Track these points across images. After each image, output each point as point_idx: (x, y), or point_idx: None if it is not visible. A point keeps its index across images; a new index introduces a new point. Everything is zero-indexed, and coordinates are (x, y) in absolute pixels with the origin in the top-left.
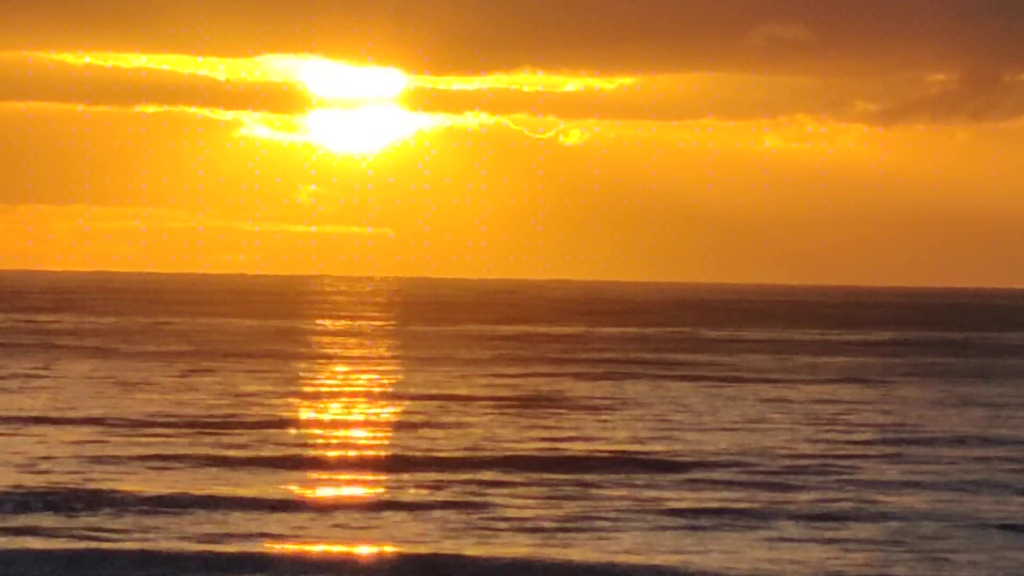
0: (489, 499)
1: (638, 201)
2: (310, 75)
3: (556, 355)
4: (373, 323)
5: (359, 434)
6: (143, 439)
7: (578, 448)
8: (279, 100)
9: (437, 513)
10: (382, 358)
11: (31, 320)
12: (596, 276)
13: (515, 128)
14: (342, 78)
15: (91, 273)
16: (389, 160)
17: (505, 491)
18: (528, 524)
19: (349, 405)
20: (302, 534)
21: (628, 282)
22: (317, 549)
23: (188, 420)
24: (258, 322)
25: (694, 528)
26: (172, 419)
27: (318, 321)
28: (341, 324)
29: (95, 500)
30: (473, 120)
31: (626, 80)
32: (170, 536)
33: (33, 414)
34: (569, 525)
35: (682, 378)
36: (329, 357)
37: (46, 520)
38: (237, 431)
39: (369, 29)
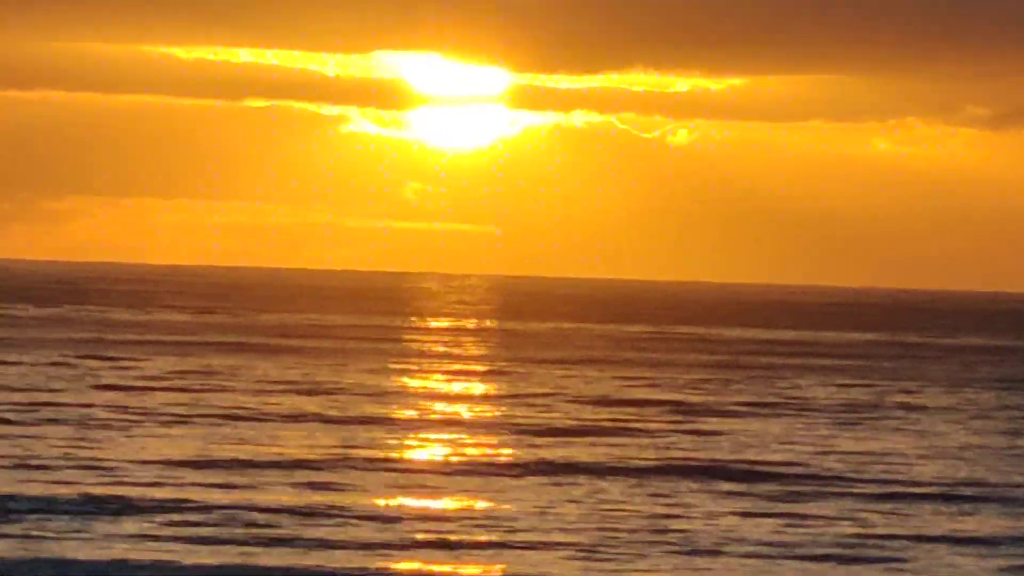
0: None
1: (744, 203)
2: (418, 72)
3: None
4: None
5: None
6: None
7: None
8: (386, 96)
9: None
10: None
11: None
12: (698, 277)
13: (622, 127)
14: (450, 75)
15: (194, 267)
16: (495, 157)
17: None
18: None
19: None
20: None
21: (731, 284)
22: None
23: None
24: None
25: None
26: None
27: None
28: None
29: None
30: (581, 119)
31: (735, 81)
32: None
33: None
34: None
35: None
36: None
37: None
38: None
39: (479, 27)
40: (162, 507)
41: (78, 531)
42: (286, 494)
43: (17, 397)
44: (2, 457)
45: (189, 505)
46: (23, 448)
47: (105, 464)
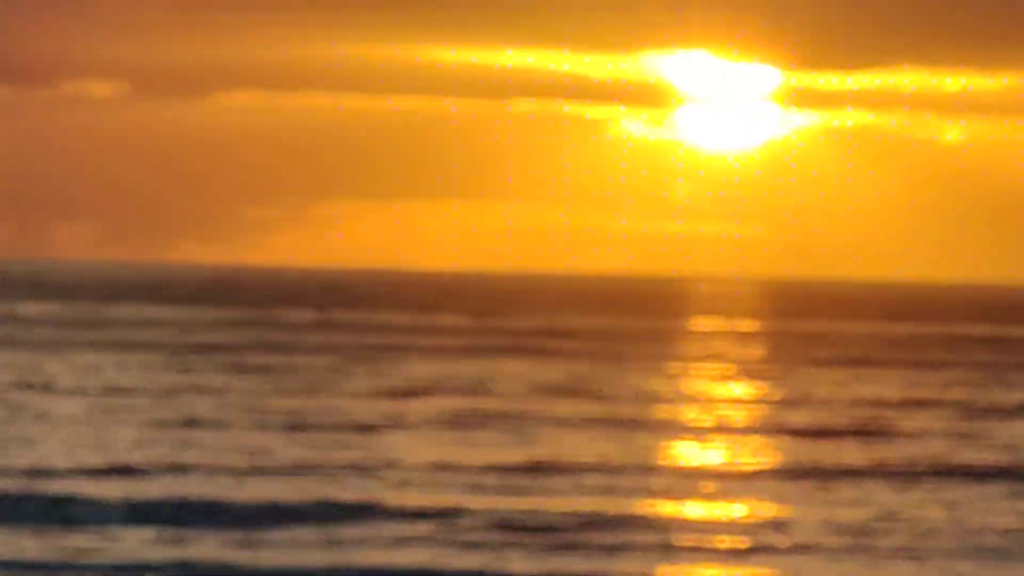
0: None
1: (1019, 202)
2: (683, 71)
3: None
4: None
5: None
6: None
7: None
8: (652, 96)
9: None
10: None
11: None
12: (969, 277)
13: (892, 126)
14: (716, 74)
15: (463, 271)
16: (762, 158)
17: None
18: None
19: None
20: None
21: (1002, 284)
22: None
23: None
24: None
25: None
26: None
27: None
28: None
29: None
30: (848, 118)
31: (1009, 77)
32: None
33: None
34: None
35: None
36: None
37: None
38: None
39: (746, 25)
40: (438, 513)
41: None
42: (569, 498)
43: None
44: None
45: (466, 509)
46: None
47: (372, 466)
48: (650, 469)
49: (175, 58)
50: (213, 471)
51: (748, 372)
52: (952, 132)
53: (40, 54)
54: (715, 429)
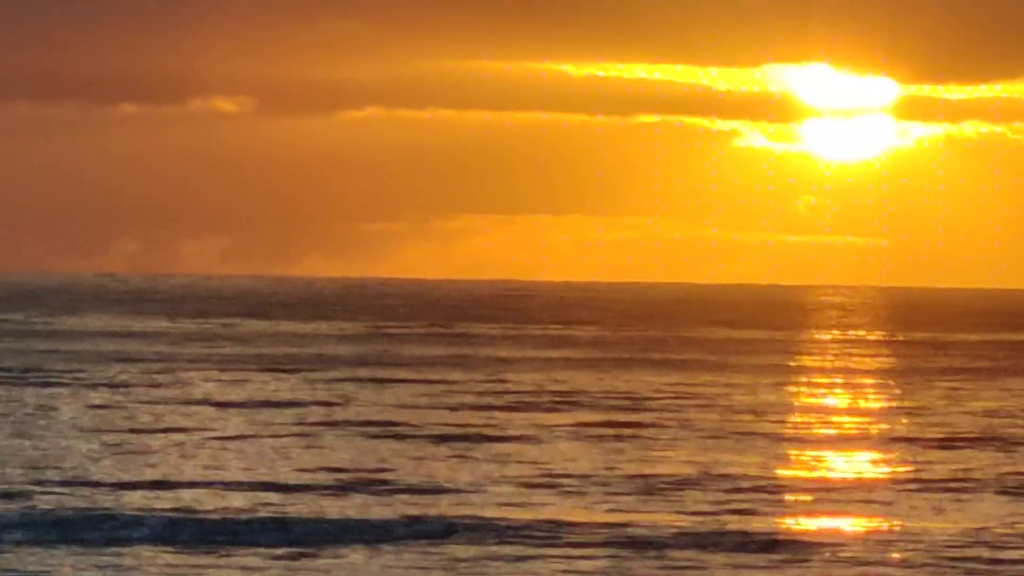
0: None
1: None
2: (807, 84)
3: None
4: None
5: None
6: None
7: None
8: (776, 109)
9: None
10: None
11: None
12: None
13: (1013, 137)
14: (837, 87)
15: (587, 283)
16: (885, 169)
17: None
18: None
19: None
20: None
21: None
22: None
23: None
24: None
25: None
26: None
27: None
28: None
29: None
30: (971, 129)
31: None
32: None
33: None
34: None
35: None
36: None
37: None
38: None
39: (867, 38)
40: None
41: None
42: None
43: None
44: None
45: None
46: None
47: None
48: (783, 485)
49: (301, 74)
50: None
51: (870, 382)
52: None
53: (168, 71)
54: (847, 439)
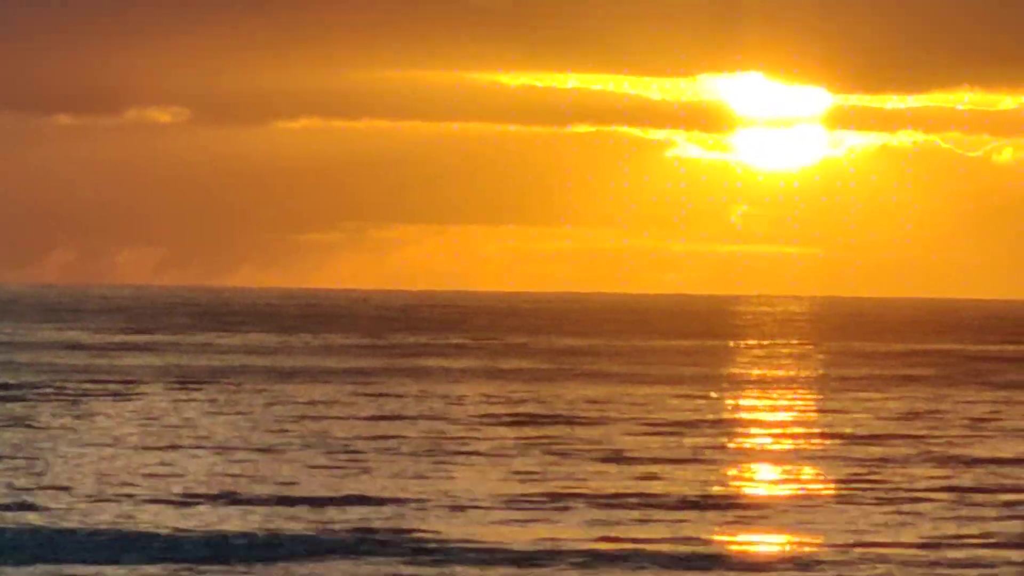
0: None
1: None
2: (740, 94)
3: None
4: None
5: None
6: None
7: None
8: (710, 119)
9: None
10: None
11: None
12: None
13: (946, 146)
14: (772, 97)
15: (520, 293)
16: (819, 179)
17: None
18: None
19: None
20: None
21: None
22: None
23: None
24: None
25: None
26: None
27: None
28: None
29: None
30: (905, 139)
31: None
32: None
33: None
34: None
35: None
36: None
37: None
38: None
39: (802, 48)
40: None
41: None
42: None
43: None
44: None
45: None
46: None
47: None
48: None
49: (236, 85)
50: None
51: (795, 393)
52: (1006, 151)
53: (103, 82)
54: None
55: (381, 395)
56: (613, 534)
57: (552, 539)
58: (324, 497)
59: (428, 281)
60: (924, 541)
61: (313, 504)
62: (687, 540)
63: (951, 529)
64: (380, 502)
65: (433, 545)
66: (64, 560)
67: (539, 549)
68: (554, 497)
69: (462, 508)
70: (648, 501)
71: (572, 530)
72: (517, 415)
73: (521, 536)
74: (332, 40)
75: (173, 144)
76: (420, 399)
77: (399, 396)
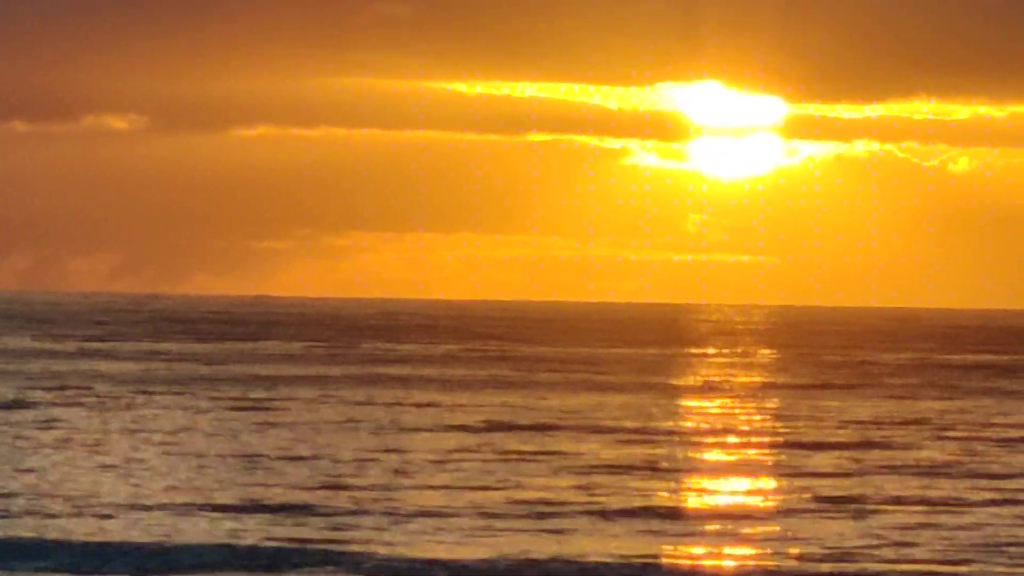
0: None
1: None
2: (696, 103)
3: None
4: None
5: None
6: None
7: None
8: (667, 128)
9: None
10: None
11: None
12: (979, 304)
13: (902, 156)
14: (728, 105)
15: (477, 301)
16: (776, 187)
17: None
18: None
19: None
20: None
21: (1013, 310)
22: None
23: None
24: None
25: None
26: None
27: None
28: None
29: None
30: (861, 148)
31: (1018, 107)
32: None
33: None
34: None
35: None
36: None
37: None
38: None
39: (760, 57)
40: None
41: None
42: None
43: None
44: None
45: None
46: None
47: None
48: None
49: (192, 92)
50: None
51: (743, 402)
52: (962, 161)
53: (59, 89)
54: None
55: (332, 398)
56: (559, 545)
57: (494, 550)
58: (276, 506)
59: (384, 289)
60: (879, 554)
61: (273, 512)
62: (636, 554)
63: (911, 538)
64: (311, 511)
65: (363, 559)
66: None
67: (477, 559)
68: (500, 507)
69: (404, 520)
70: (591, 510)
71: (521, 541)
72: (464, 425)
73: (459, 551)
74: (290, 48)
75: (129, 151)
76: (364, 406)
77: (349, 403)
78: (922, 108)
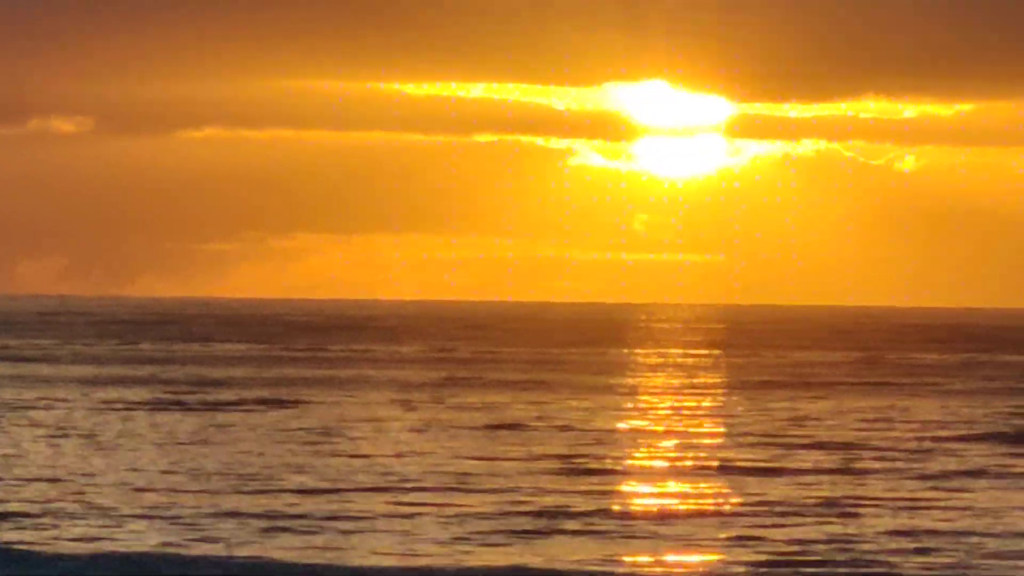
0: None
1: (974, 227)
2: (643, 103)
3: None
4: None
5: None
6: None
7: None
8: (613, 128)
9: None
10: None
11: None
12: (926, 302)
13: (849, 155)
14: (675, 105)
15: (425, 302)
16: (724, 187)
17: None
18: None
19: None
20: None
21: (959, 308)
22: None
23: None
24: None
25: None
26: None
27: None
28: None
29: None
30: (809, 146)
31: (965, 106)
32: None
33: None
34: None
35: None
36: None
37: None
38: None
39: (706, 57)
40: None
41: None
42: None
43: None
44: None
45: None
46: None
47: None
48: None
49: (139, 94)
50: None
51: (706, 396)
52: (909, 159)
53: (5, 92)
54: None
55: (277, 404)
56: (506, 554)
57: (426, 558)
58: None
59: (331, 290)
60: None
61: (228, 519)
62: (582, 560)
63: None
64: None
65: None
66: None
67: (409, 567)
68: (437, 512)
69: (351, 529)
70: (540, 513)
71: (480, 550)
72: (408, 425)
73: (387, 559)
74: (237, 49)
75: (76, 154)
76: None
77: (293, 405)
78: (869, 106)
